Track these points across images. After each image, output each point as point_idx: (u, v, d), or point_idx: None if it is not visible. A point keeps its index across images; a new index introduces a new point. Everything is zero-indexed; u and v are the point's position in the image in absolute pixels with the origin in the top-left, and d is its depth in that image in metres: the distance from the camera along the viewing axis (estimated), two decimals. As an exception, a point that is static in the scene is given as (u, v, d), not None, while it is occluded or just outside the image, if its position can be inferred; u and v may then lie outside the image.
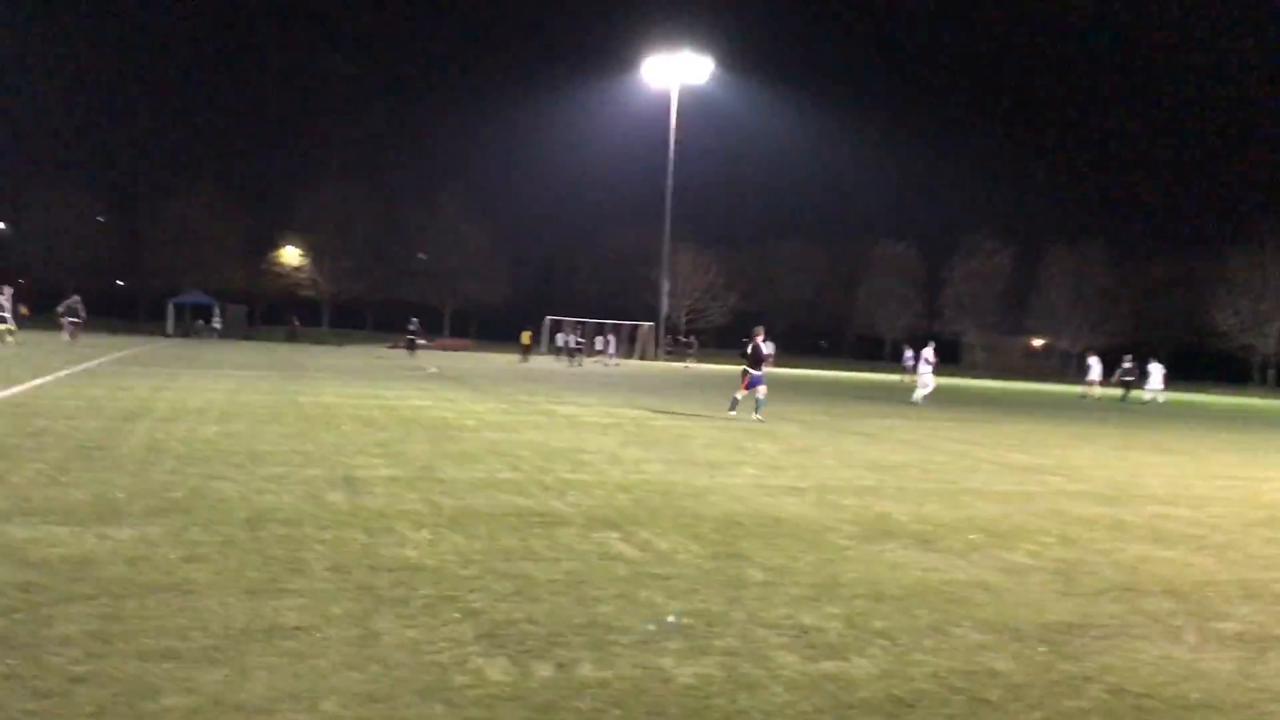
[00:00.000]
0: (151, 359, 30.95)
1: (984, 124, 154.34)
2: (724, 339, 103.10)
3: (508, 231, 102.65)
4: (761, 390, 19.44)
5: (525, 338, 56.82)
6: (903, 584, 6.76)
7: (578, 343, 55.87)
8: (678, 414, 20.29)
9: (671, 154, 76.86)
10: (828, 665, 4.97)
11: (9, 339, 33.16)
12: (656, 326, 75.89)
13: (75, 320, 39.34)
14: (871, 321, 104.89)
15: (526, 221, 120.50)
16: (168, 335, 64.43)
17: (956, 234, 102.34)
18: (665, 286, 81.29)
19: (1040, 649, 5.48)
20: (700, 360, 66.18)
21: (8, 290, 34.21)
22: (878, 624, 5.75)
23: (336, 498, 8.54)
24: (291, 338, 69.77)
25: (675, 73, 75.31)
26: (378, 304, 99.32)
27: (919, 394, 30.28)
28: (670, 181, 77.59)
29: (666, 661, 4.86)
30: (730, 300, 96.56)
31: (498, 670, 4.57)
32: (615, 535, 7.71)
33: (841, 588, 6.54)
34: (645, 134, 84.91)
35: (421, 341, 59.15)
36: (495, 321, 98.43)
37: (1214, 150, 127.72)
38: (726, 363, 72.73)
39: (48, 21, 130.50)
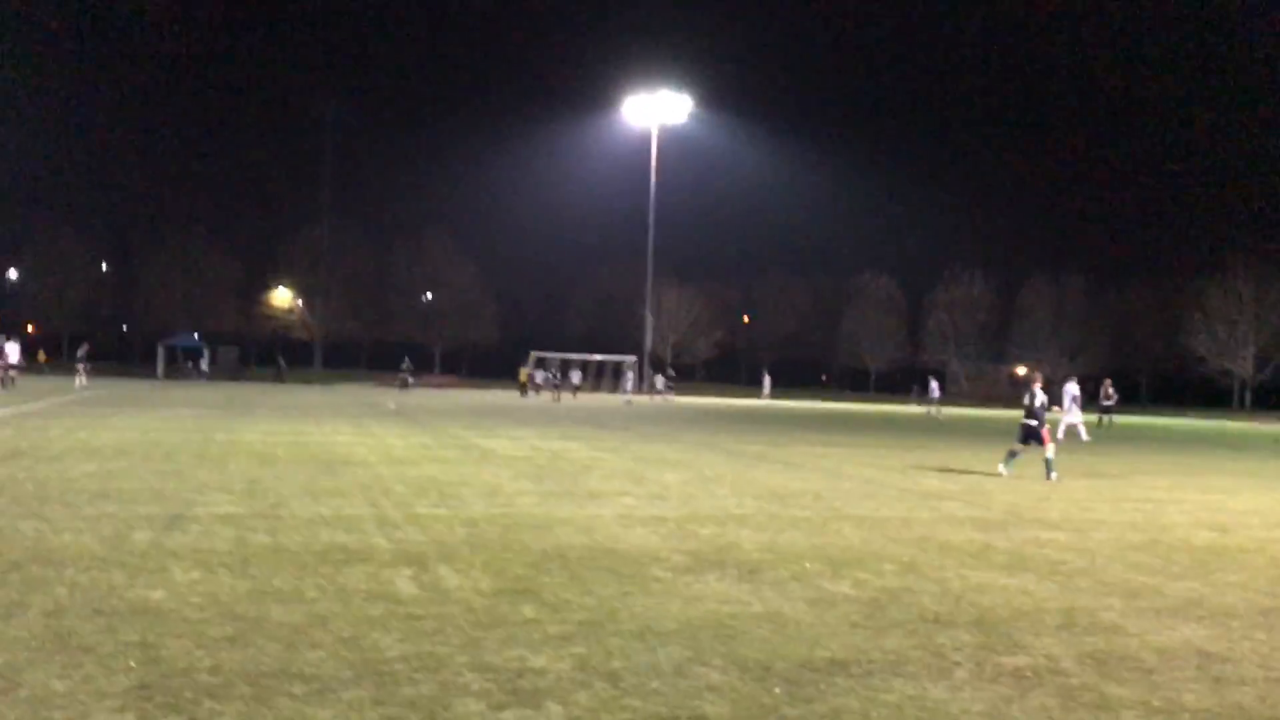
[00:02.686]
0: (110, 400, 30.48)
1: (963, 155, 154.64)
2: (713, 373, 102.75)
3: (495, 271, 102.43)
4: (1050, 448, 16.68)
5: (523, 375, 59.01)
6: (684, 618, 6.35)
7: (555, 378, 55.92)
8: (606, 446, 19.89)
9: (653, 192, 76.95)
10: (508, 714, 4.57)
11: None
12: (640, 361, 75.41)
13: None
14: (857, 353, 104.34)
15: (513, 261, 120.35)
16: (157, 377, 64.03)
17: (938, 265, 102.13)
18: (649, 322, 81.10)
19: (776, 689, 5.08)
20: (680, 394, 65.54)
21: None
22: (615, 664, 5.36)
23: (140, 537, 8.16)
24: (279, 378, 69.30)
25: (655, 112, 75.58)
26: (370, 344, 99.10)
27: (1083, 432, 29.11)
28: (652, 218, 77.68)
29: (324, 714, 4.46)
30: (715, 335, 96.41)
31: (108, 725, 4.18)
32: (408, 573, 7.32)
33: (611, 624, 6.15)
34: (628, 172, 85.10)
35: (411, 380, 60.87)
36: (488, 359, 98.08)
37: (1190, 179, 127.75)
38: (707, 395, 72.12)
39: (45, 71, 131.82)
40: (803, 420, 37.77)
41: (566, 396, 53.86)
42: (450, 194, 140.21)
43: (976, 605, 7.16)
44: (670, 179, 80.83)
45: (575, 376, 60.33)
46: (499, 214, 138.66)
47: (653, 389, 61.45)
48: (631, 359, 70.27)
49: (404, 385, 57.26)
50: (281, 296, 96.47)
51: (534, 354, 67.25)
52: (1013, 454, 16.92)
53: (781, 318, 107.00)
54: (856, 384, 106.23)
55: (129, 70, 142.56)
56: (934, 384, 53.37)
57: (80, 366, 42.57)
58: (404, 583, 7.00)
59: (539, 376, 59.58)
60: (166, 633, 5.51)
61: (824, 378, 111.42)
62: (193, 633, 5.54)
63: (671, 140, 79.16)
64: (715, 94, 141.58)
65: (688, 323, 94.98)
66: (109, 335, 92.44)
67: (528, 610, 6.39)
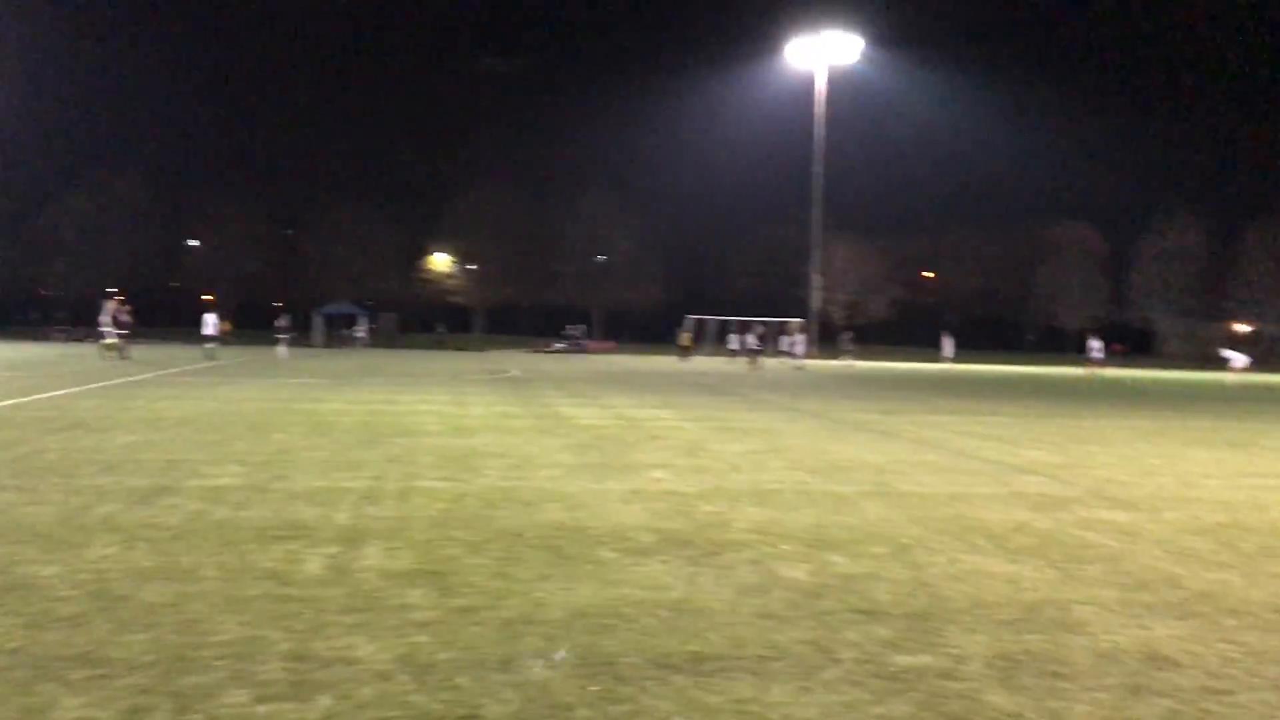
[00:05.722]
0: (240, 369, 31.70)
1: (1168, 89, 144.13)
2: (888, 334, 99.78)
3: (657, 230, 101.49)
4: None
5: (683, 339, 59.69)
6: (578, 606, 5.87)
7: (755, 342, 53.73)
8: (698, 414, 19.38)
9: (818, 139, 74.65)
10: (264, 708, 4.23)
11: (110, 354, 34.52)
12: (808, 322, 73.83)
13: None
14: (1053, 311, 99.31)
15: (673, 220, 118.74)
16: (313, 346, 65.74)
17: (1143, 212, 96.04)
18: (816, 280, 79.27)
19: (592, 688, 4.59)
20: (858, 358, 62.11)
21: (109, 305, 35.65)
22: (441, 655, 4.95)
23: (103, 510, 8.15)
24: (439, 344, 71.35)
25: (821, 54, 73.08)
26: (529, 309, 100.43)
27: None
28: (818, 168, 75.32)
29: (75, 701, 4.22)
30: (892, 293, 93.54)
31: None
32: (331, 551, 7.04)
33: (490, 611, 5.72)
34: (793, 121, 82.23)
35: (571, 344, 63.35)
36: (651, 323, 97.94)
37: None
38: (881, 359, 69.94)
39: (207, 47, 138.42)
40: (962, 386, 36.07)
41: (742, 362, 50.91)
42: (606, 152, 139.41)
43: (936, 595, 6.42)
44: (841, 126, 77.44)
45: (784, 342, 57.78)
46: (659, 170, 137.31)
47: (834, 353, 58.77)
48: (800, 321, 68.82)
49: (568, 350, 59.75)
50: (440, 261, 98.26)
51: (690, 318, 66.91)
52: None
53: (966, 273, 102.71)
54: (1055, 344, 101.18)
55: (288, 42, 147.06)
56: (1093, 343, 51.29)
57: (282, 338, 44.15)
58: (315, 562, 6.74)
59: (734, 341, 57.80)
60: (13, 610, 5.41)
61: (1030, 338, 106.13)
62: (38, 611, 5.41)
63: (842, 84, 76.34)
64: (887, 32, 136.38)
65: (859, 280, 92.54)
66: (276, 304, 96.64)
67: (414, 595, 6.03)
